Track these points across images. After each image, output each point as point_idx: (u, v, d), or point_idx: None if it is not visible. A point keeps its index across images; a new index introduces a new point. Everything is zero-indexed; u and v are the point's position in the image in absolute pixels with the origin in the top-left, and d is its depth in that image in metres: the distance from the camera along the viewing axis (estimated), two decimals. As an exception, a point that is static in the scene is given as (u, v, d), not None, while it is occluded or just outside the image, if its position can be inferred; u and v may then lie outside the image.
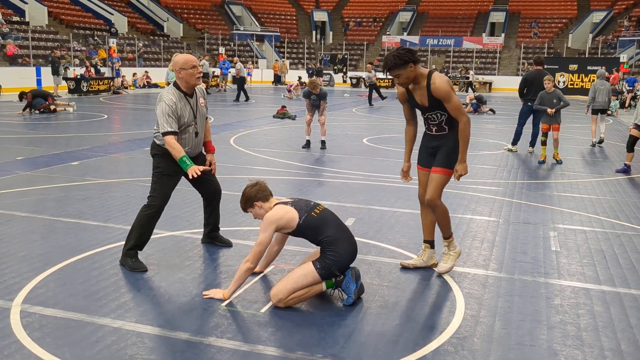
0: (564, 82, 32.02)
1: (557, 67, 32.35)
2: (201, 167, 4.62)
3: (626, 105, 24.57)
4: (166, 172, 4.80)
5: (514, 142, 11.88)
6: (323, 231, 4.14)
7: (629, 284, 4.73)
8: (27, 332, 3.62)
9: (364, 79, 31.92)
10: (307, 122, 11.70)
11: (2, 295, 4.16)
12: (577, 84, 32.31)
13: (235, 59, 25.57)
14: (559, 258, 5.32)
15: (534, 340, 3.72)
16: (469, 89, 32.71)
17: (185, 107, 4.75)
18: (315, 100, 11.43)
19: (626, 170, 9.63)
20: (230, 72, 30.60)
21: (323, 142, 11.69)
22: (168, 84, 11.97)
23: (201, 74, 4.79)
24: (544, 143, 10.55)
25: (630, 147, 9.69)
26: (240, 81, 24.02)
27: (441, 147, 4.70)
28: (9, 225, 5.85)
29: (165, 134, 4.61)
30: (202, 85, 5.10)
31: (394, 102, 25.06)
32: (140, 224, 4.81)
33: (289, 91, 26.49)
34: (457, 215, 6.70)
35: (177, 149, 4.59)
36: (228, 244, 5.39)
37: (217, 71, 30.64)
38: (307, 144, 11.68)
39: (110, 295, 4.22)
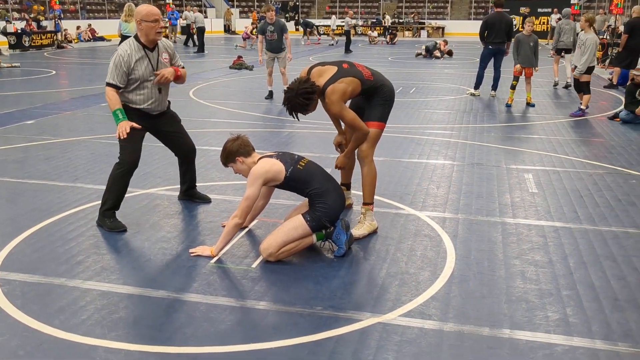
0: (515, 25, 32.21)
1: (508, 10, 32.42)
2: (131, 124, 4.37)
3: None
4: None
5: (476, 86, 11.92)
6: (311, 183, 4.06)
7: (608, 221, 4.84)
8: (10, 300, 3.45)
9: (338, 26, 31.27)
10: (268, 73, 11.28)
11: (-24, 264, 3.95)
12: (528, 27, 32.52)
13: (188, 7, 24.59)
14: (537, 199, 5.39)
15: (526, 281, 3.76)
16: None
17: (142, 61, 4.52)
18: (273, 33, 10.66)
19: (580, 114, 9.66)
20: (179, 22, 29.54)
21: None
22: (121, 36, 11.41)
23: (162, 30, 4.59)
24: (513, 87, 10.57)
25: (580, 90, 9.71)
26: (200, 31, 23.24)
27: (369, 105, 4.56)
28: (-30, 190, 5.54)
29: (107, 84, 4.47)
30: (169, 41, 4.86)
31: (358, 50, 24.79)
32: (114, 182, 4.61)
33: (244, 39, 25.82)
34: (431, 161, 6.70)
35: (112, 101, 4.43)
36: (206, 200, 5.25)
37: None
38: (270, 95, 11.36)
39: (92, 258, 4.06)
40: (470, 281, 3.76)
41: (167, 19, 28.61)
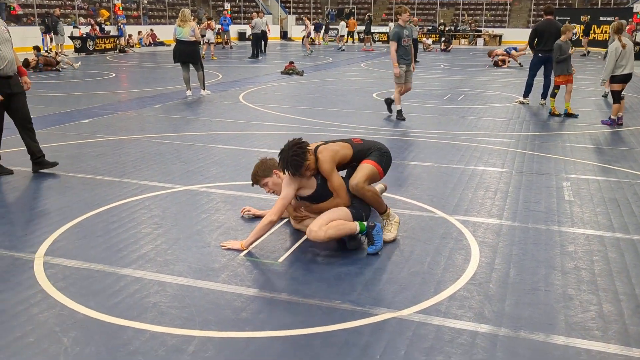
0: (575, 34, 31.40)
1: (568, 18, 31.69)
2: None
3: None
4: None
5: (525, 95, 11.76)
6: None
7: (643, 231, 4.76)
8: (52, 282, 3.71)
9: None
10: (400, 90, 9.71)
11: (24, 248, 4.24)
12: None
13: (254, 14, 25.18)
14: (573, 207, 5.34)
15: (549, 285, 3.77)
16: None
17: None
18: (408, 37, 9.43)
19: (609, 123, 9.40)
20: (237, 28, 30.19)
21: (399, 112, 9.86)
22: (176, 40, 11.83)
23: None
24: (554, 95, 10.42)
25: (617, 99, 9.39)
26: (256, 37, 23.76)
27: (370, 153, 4.62)
28: (25, 182, 5.92)
29: None
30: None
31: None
32: None
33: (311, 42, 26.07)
34: (470, 167, 6.70)
35: None
36: (54, 165, 6.22)
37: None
38: (400, 115, 9.81)
39: (130, 247, 4.30)
40: (491, 283, 3.79)
41: (219, 25, 29.27)
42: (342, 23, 31.29)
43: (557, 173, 6.49)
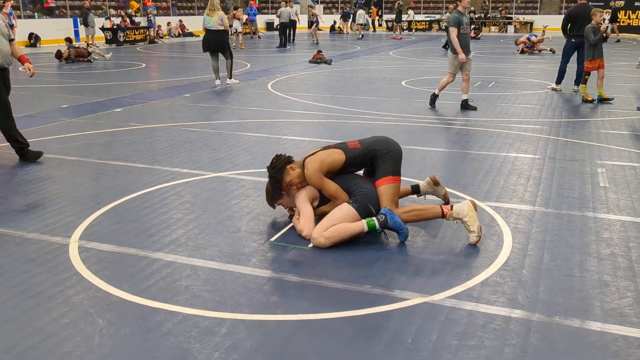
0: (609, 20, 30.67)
1: (602, 4, 30.93)
2: None
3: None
4: None
5: (558, 81, 11.53)
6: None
7: (682, 217, 4.64)
8: (87, 266, 3.77)
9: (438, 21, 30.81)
10: (451, 78, 9.43)
11: (59, 233, 4.32)
12: (623, 21, 30.91)
13: (283, 2, 25.08)
14: (608, 193, 5.23)
15: (584, 271, 3.70)
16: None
17: None
18: (467, 25, 9.22)
19: None
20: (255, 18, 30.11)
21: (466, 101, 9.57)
22: (205, 29, 11.89)
23: None
24: (584, 82, 10.19)
25: None
26: (283, 27, 23.73)
27: (374, 169, 4.39)
28: (60, 169, 6.03)
29: None
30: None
31: (431, 44, 24.54)
32: None
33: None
34: (502, 153, 6.61)
35: None
36: (37, 156, 6.31)
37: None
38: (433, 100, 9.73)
39: (162, 232, 4.34)
40: (524, 269, 3.74)
41: (246, 15, 29.25)
42: (361, 11, 31.04)
43: (592, 160, 6.36)
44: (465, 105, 9.49)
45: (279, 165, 4.33)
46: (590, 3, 11.44)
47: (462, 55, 9.09)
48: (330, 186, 4.29)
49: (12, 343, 2.92)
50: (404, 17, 32.98)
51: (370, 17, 32.60)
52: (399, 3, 32.58)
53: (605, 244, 4.13)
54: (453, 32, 9.14)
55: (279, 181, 4.32)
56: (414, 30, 36.01)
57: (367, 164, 4.46)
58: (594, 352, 2.85)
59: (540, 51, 20.40)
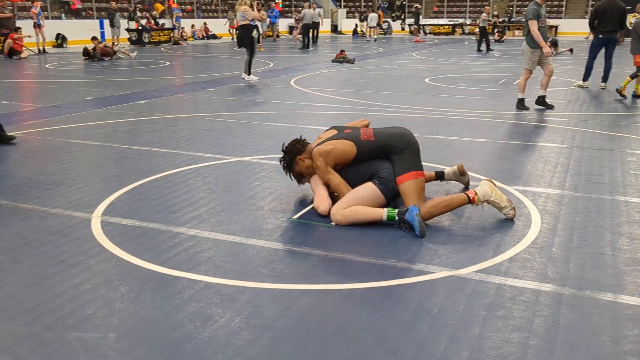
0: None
1: (629, 7, 30.42)
2: None
3: None
4: None
5: (585, 78, 11.34)
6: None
7: None
8: (109, 238, 3.75)
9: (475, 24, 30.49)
10: (527, 78, 8.87)
11: (82, 208, 4.32)
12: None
13: (307, 4, 25.12)
14: (639, 179, 5.09)
15: (616, 250, 3.58)
16: None
17: None
18: (546, 17, 8.70)
19: None
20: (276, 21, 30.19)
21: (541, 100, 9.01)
22: (236, 24, 12.09)
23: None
24: (634, 76, 9.91)
25: None
26: (305, 28, 23.75)
27: (395, 161, 4.19)
28: (84, 152, 6.05)
29: None
30: None
31: (455, 46, 24.35)
32: None
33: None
34: (528, 142, 6.49)
35: None
36: (10, 140, 6.36)
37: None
38: (522, 103, 8.90)
39: (185, 209, 4.32)
40: (554, 247, 3.63)
41: (267, 18, 29.32)
42: (373, 14, 30.93)
43: (622, 149, 6.21)
44: (542, 102, 8.89)
45: (288, 157, 4.47)
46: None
47: (547, 49, 8.49)
48: (334, 179, 4.23)
49: (34, 305, 2.90)
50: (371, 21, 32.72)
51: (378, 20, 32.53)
52: (416, 6, 32.50)
53: (637, 225, 4.01)
54: (533, 24, 8.43)
55: (291, 170, 4.53)
56: (429, 33, 35.76)
57: (382, 157, 4.31)
58: (630, 324, 2.74)
59: (559, 53, 20.14)
